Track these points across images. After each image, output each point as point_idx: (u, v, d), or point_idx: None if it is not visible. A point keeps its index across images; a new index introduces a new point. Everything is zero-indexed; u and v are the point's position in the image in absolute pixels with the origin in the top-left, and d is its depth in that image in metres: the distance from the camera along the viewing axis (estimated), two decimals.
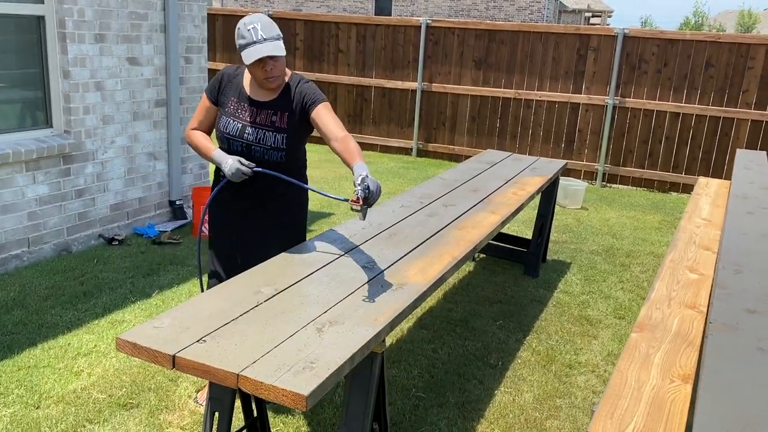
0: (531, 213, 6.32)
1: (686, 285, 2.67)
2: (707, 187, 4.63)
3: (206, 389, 2.73)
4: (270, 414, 2.91)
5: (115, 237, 4.96)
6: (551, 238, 5.74)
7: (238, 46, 2.61)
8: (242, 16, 9.92)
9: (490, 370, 3.50)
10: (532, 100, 8.55)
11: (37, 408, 2.93)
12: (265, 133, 2.72)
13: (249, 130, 2.72)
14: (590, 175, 8.51)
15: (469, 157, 8.80)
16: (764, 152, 5.41)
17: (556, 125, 8.54)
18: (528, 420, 3.08)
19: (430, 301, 4.32)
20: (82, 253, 4.76)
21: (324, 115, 2.68)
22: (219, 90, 2.79)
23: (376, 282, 2.46)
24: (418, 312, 4.13)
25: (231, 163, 2.65)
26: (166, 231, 5.20)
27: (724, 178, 7.89)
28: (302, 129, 2.77)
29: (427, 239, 3.02)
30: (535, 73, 8.51)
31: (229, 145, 2.76)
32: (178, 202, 5.54)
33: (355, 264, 2.63)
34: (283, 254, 2.68)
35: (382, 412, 2.44)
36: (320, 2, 26.61)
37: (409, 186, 7.31)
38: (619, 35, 8.02)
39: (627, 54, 8.06)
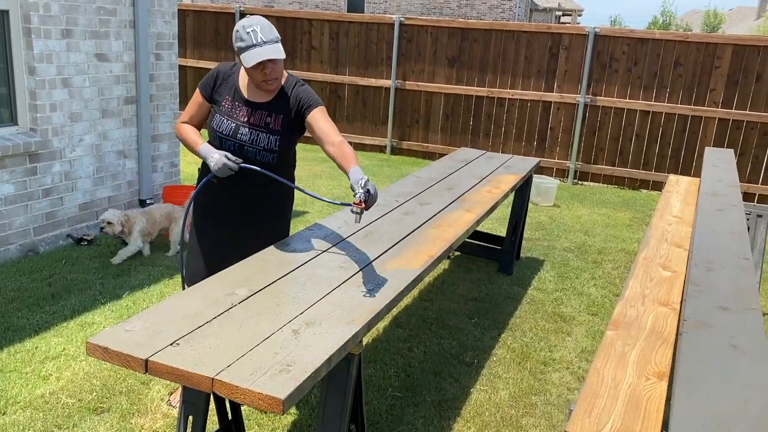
0: (505, 211, 6.35)
1: (659, 282, 2.70)
2: (678, 185, 4.69)
3: (179, 391, 2.68)
4: (245, 416, 2.87)
5: (84, 237, 4.85)
6: (525, 235, 5.78)
7: (236, 49, 2.58)
8: (213, 12, 9.81)
9: (465, 368, 3.50)
10: (505, 98, 8.60)
11: (3, 414, 2.85)
12: (258, 134, 2.70)
13: (243, 130, 2.69)
14: (562, 173, 8.59)
15: (443, 155, 8.83)
16: (732, 150, 5.51)
17: (529, 123, 8.60)
18: (504, 418, 3.09)
19: (406, 300, 4.31)
20: (50, 253, 4.65)
21: (319, 119, 2.68)
22: (214, 87, 2.76)
23: (353, 283, 2.44)
24: (394, 311, 4.12)
25: (217, 157, 2.60)
26: None
27: (693, 176, 8.03)
28: (295, 131, 2.76)
29: (404, 238, 3.01)
30: (508, 72, 8.56)
31: (221, 143, 2.72)
32: (148, 201, 5.44)
33: (332, 264, 2.60)
34: (257, 254, 2.64)
35: (359, 413, 2.43)
36: None
37: (384, 184, 7.29)
38: (590, 34, 8.10)
39: (598, 53, 8.14)
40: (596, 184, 8.51)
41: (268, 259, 2.59)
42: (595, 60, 8.16)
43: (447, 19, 9.09)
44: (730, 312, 2.02)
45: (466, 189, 4.06)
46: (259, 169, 2.67)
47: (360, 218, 2.39)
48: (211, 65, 9.95)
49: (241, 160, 2.65)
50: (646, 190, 8.32)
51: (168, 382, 3.08)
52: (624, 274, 5.15)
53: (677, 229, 3.53)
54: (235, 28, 2.58)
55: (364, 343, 2.93)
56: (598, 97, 8.25)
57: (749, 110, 7.72)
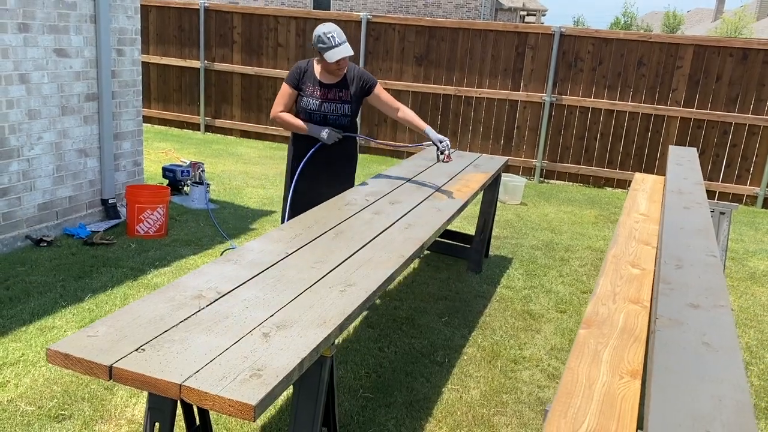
0: (473, 209, 6.37)
1: (629, 280, 2.72)
2: (643, 183, 4.76)
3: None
4: (213, 420, 2.80)
5: (44, 238, 4.70)
6: (493, 233, 5.80)
7: (318, 48, 3.61)
8: (177, 8, 9.63)
9: (436, 367, 3.49)
10: (472, 96, 8.63)
11: None
12: (336, 105, 3.76)
13: (325, 105, 3.75)
14: (529, 171, 8.66)
15: (412, 153, 8.81)
16: (695, 148, 5.61)
17: (496, 122, 8.65)
18: (475, 417, 3.08)
19: (376, 299, 4.28)
20: (7, 255, 4.49)
21: (381, 93, 3.89)
22: (299, 79, 3.76)
23: (325, 283, 2.39)
24: (365, 311, 4.08)
25: (328, 131, 3.71)
26: (98, 231, 4.97)
27: (657, 173, 8.18)
28: (359, 101, 3.85)
29: (375, 238, 2.97)
30: (475, 70, 8.59)
31: (310, 117, 3.76)
32: (111, 201, 5.30)
33: (302, 265, 2.56)
34: (226, 254, 2.58)
35: (332, 416, 2.39)
36: None
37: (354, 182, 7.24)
38: (556, 34, 8.18)
39: (563, 52, 8.23)
40: (562, 182, 8.60)
41: (236, 260, 2.53)
42: (560, 59, 8.24)
43: (414, 17, 9.08)
44: (700, 309, 2.04)
45: (436, 188, 4.04)
46: (353, 134, 3.86)
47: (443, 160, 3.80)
48: (176, 62, 9.77)
49: (341, 131, 3.77)
50: (610, 188, 8.44)
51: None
52: (591, 272, 5.20)
53: (644, 226, 3.57)
54: (317, 33, 3.61)
55: (335, 344, 2.89)
56: (563, 96, 8.33)
57: (710, 109, 7.88)
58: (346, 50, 3.59)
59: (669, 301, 2.09)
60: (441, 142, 3.80)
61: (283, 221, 3.73)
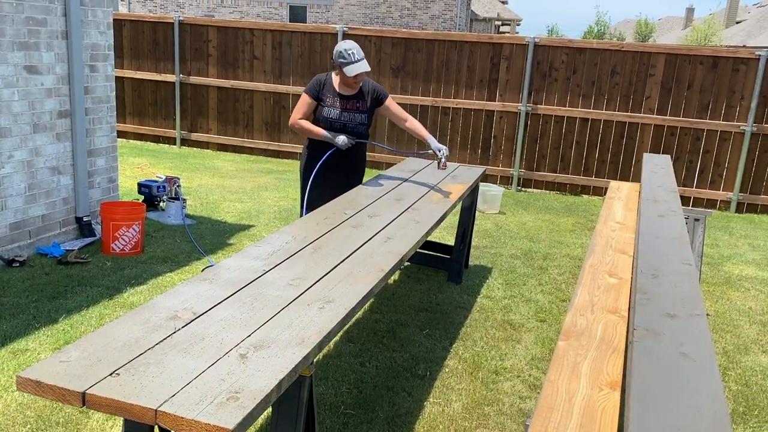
0: (452, 219, 6.38)
1: (607, 290, 2.73)
2: (619, 191, 4.80)
3: None
4: None
5: (16, 258, 4.61)
6: (472, 243, 5.81)
7: (339, 63, 4.02)
8: (151, 22, 9.56)
9: (418, 381, 3.47)
10: (449, 107, 8.67)
11: None
12: (354, 114, 4.17)
13: (344, 114, 4.15)
14: (506, 180, 8.71)
15: (390, 165, 8.82)
16: (668, 156, 5.69)
17: (473, 132, 8.70)
18: (458, 430, 3.07)
19: (357, 313, 4.25)
20: None
21: (391, 105, 4.34)
22: (320, 90, 4.14)
23: (303, 301, 2.37)
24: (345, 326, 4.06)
25: (343, 137, 4.09)
26: (72, 250, 4.89)
27: (632, 180, 8.27)
28: (373, 111, 4.28)
29: (354, 252, 2.96)
30: (451, 81, 8.64)
31: (330, 125, 4.15)
32: (85, 219, 5.22)
33: (279, 282, 2.53)
34: (201, 273, 2.55)
35: None
36: (233, 8, 26.10)
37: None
38: (530, 44, 8.26)
39: (538, 62, 8.31)
40: (539, 190, 8.67)
41: (212, 279, 2.50)
42: (535, 69, 8.32)
43: (390, 29, 9.12)
44: (677, 319, 2.05)
45: (415, 200, 4.04)
46: (366, 140, 4.29)
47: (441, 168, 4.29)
48: (151, 76, 9.69)
49: (354, 137, 4.15)
50: (587, 196, 8.52)
51: None
52: (569, 280, 5.23)
53: (621, 235, 3.60)
54: (338, 49, 4.02)
55: (315, 361, 2.86)
56: (539, 106, 8.41)
57: (682, 116, 8.01)
58: (364, 66, 4.02)
59: (646, 312, 2.10)
60: (440, 151, 4.22)
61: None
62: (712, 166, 8.06)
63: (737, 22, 48.80)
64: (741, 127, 7.83)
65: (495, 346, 3.96)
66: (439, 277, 5.04)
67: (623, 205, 4.33)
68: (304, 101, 4.14)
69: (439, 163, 4.27)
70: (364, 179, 4.50)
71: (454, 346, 3.91)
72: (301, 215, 4.18)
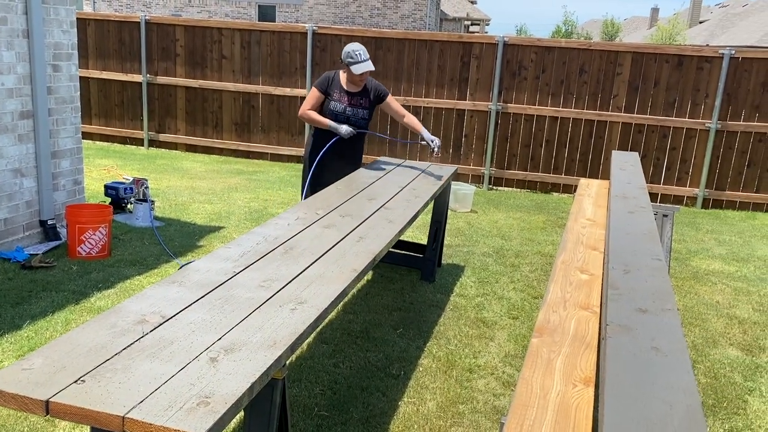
0: (425, 218, 6.38)
1: (578, 286, 2.75)
2: (589, 188, 4.85)
3: None
4: None
5: None
6: (445, 242, 5.81)
7: (347, 62, 4.48)
8: (117, 21, 9.39)
9: (392, 380, 3.45)
10: (420, 106, 8.67)
11: None
12: (357, 109, 4.63)
13: (348, 109, 4.60)
14: (478, 179, 8.75)
15: (364, 163, 8.78)
16: (636, 153, 5.76)
17: (444, 131, 8.72)
18: (433, 429, 3.06)
19: (330, 314, 4.22)
20: None
21: (392, 102, 4.79)
22: (328, 86, 4.58)
23: (274, 303, 2.33)
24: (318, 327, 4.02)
25: (346, 127, 4.54)
26: (37, 254, 4.76)
27: (601, 178, 8.37)
28: (374, 107, 4.74)
29: (326, 252, 2.92)
30: (422, 80, 8.65)
31: (336, 117, 4.59)
32: (50, 222, 5.10)
33: (250, 284, 2.49)
34: (171, 276, 2.49)
35: None
36: (200, 7, 25.78)
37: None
38: (499, 43, 8.31)
39: (507, 61, 8.36)
40: (510, 188, 8.73)
41: (181, 281, 2.45)
42: (505, 68, 8.37)
43: (361, 29, 9.09)
44: (649, 314, 2.06)
45: (387, 199, 4.02)
46: (367, 131, 4.78)
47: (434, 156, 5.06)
48: (117, 76, 9.51)
49: (355, 131, 4.60)
50: (557, 193, 8.60)
51: None
52: (541, 277, 5.27)
53: (591, 231, 3.63)
54: (346, 50, 4.49)
55: (288, 363, 2.82)
56: (509, 105, 8.46)
57: (649, 114, 8.13)
58: (369, 65, 4.48)
59: (618, 307, 2.11)
60: (432, 141, 4.68)
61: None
62: (679, 163, 8.20)
63: (700, 22, 49.83)
64: (706, 125, 7.98)
65: (468, 344, 3.96)
66: (412, 276, 5.03)
67: (593, 202, 4.37)
68: (314, 94, 4.60)
69: (432, 153, 4.74)
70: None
71: (428, 344, 3.90)
72: (303, 198, 4.74)
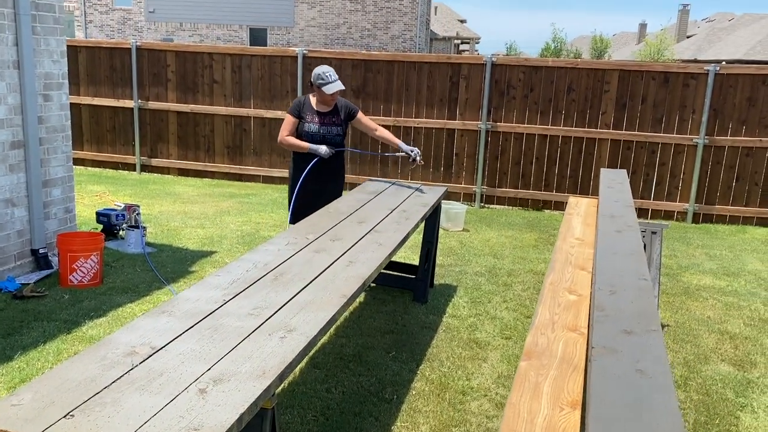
0: (416, 238, 6.40)
1: (567, 307, 2.77)
2: (577, 206, 4.89)
3: None
4: None
5: None
6: (437, 261, 5.83)
7: (318, 84, 4.66)
8: (108, 48, 9.46)
9: (385, 405, 3.45)
10: (411, 126, 8.74)
11: None
12: (330, 128, 4.79)
13: (323, 128, 4.76)
14: (469, 197, 8.80)
15: (355, 185, 8.82)
16: (624, 171, 5.82)
17: (435, 150, 8.78)
18: None
19: (321, 340, 4.22)
20: None
21: (362, 118, 4.97)
22: (300, 110, 4.77)
23: (264, 331, 2.35)
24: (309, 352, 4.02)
25: (325, 148, 4.69)
26: (28, 283, 4.76)
27: (591, 194, 8.43)
28: (346, 123, 4.90)
29: (316, 278, 2.94)
30: (412, 101, 8.72)
31: (312, 138, 4.75)
32: (41, 251, 5.10)
33: (240, 312, 2.50)
34: (161, 305, 2.50)
35: None
36: (192, 31, 25.99)
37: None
38: (487, 63, 8.40)
39: (496, 81, 8.45)
40: (502, 206, 8.77)
41: (171, 311, 2.46)
42: (493, 88, 8.46)
43: (350, 51, 9.19)
44: (633, 336, 2.09)
45: (377, 221, 4.05)
46: (346, 148, 4.98)
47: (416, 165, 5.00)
48: (108, 102, 9.56)
49: (333, 148, 4.74)
50: (548, 210, 8.64)
51: None
52: (533, 296, 5.28)
53: (580, 251, 3.66)
54: (316, 72, 4.67)
55: (279, 389, 2.83)
56: (498, 123, 8.54)
57: (637, 131, 8.22)
58: (339, 85, 4.69)
59: (603, 329, 2.13)
60: (412, 151, 4.88)
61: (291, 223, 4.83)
62: (668, 178, 8.27)
63: (688, 37, 50.43)
64: (694, 140, 8.06)
65: (461, 365, 3.96)
66: (404, 297, 5.05)
67: (582, 221, 4.40)
68: (289, 120, 4.79)
69: (413, 161, 4.86)
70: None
71: (420, 367, 3.91)
72: (290, 220, 4.87)
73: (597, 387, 1.74)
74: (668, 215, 8.36)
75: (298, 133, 4.79)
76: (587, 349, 2.32)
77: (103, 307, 4.50)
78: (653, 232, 4.63)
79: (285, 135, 4.79)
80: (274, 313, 2.51)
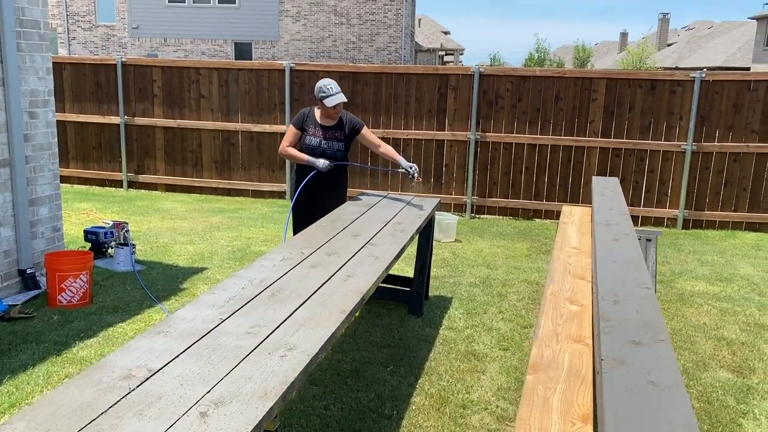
0: (410, 250, 6.36)
1: (569, 318, 2.73)
2: (571, 215, 4.87)
3: None
4: None
5: None
6: (431, 273, 5.79)
7: (320, 97, 4.65)
8: (92, 64, 9.38)
9: (385, 421, 3.39)
10: (400, 138, 8.72)
11: None
12: (332, 142, 4.77)
13: (324, 142, 4.75)
14: (460, 208, 8.78)
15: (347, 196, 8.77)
16: (616, 178, 5.82)
17: (425, 161, 8.76)
18: None
19: (321, 359, 4.15)
20: None
21: (367, 134, 4.95)
22: (303, 122, 4.78)
23: (263, 350, 2.29)
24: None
25: (323, 161, 4.68)
26: (16, 305, 4.66)
27: (582, 202, 8.44)
28: (350, 139, 4.89)
29: (313, 294, 2.89)
30: (401, 113, 8.71)
31: (312, 151, 4.75)
32: (29, 271, 5.00)
33: (238, 331, 2.44)
34: (156, 325, 2.44)
35: None
36: (176, 46, 25.90)
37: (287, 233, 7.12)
38: (475, 74, 8.41)
39: (484, 91, 8.46)
40: (493, 216, 8.76)
41: (167, 332, 2.39)
42: (481, 98, 8.47)
43: (338, 64, 9.18)
44: (642, 346, 2.05)
45: (372, 234, 4.00)
46: (345, 162, 4.83)
47: (414, 182, 4.91)
48: (94, 119, 9.47)
49: (332, 162, 4.71)
50: (539, 219, 8.64)
51: None
52: (529, 305, 5.25)
53: (578, 260, 3.63)
54: (318, 86, 4.67)
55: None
56: (487, 134, 8.54)
57: (626, 138, 8.25)
58: (341, 97, 4.66)
59: (611, 340, 2.09)
60: (411, 168, 4.85)
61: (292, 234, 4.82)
62: (658, 185, 8.30)
63: (668, 45, 51.07)
64: (682, 146, 8.11)
65: (460, 378, 3.91)
66: (399, 310, 4.99)
67: (577, 230, 4.38)
68: (291, 131, 4.82)
69: (412, 178, 4.86)
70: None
71: (419, 381, 3.85)
72: (285, 232, 4.93)
73: (610, 401, 1.70)
74: (658, 222, 8.38)
75: (300, 145, 4.80)
76: (594, 360, 2.28)
77: (94, 328, 4.40)
78: (648, 240, 4.63)
79: (285, 146, 4.81)
80: (273, 331, 2.45)
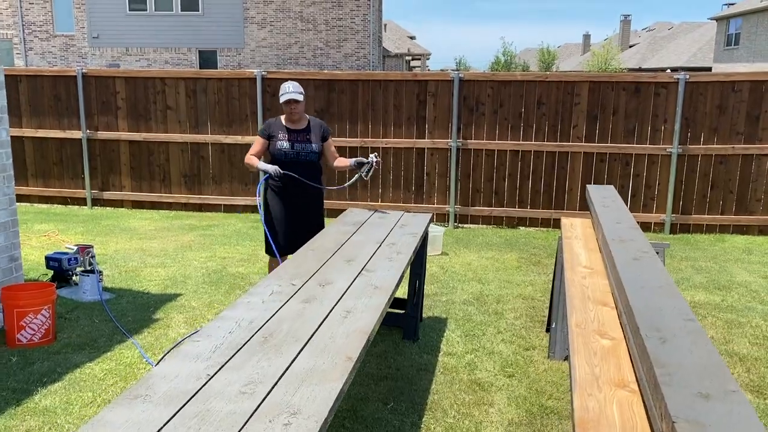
0: None
1: (603, 355, 2.43)
2: (573, 229, 4.59)
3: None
4: None
5: None
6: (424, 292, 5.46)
7: (280, 96, 4.69)
8: (51, 76, 8.85)
9: None
10: (379, 147, 8.38)
11: None
12: (304, 145, 4.73)
13: (296, 145, 4.71)
14: (443, 218, 8.48)
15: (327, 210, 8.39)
16: (612, 186, 5.58)
17: (405, 170, 8.45)
18: None
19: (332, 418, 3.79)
20: None
21: (330, 145, 4.91)
22: (269, 130, 4.76)
23: (262, 416, 1.93)
24: None
25: (273, 167, 4.62)
26: None
27: (566, 209, 8.21)
28: (321, 142, 4.81)
29: (312, 336, 2.53)
30: (379, 121, 8.38)
31: (285, 155, 4.68)
32: None
33: (230, 390, 2.08)
34: (133, 387, 2.06)
35: None
36: (139, 56, 25.17)
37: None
38: (455, 79, 8.13)
39: (464, 97, 8.19)
40: (476, 225, 8.48)
41: (146, 396, 2.01)
42: (462, 104, 8.19)
43: (312, 71, 8.82)
44: (713, 401, 1.75)
45: (367, 258, 3.66)
46: (292, 174, 4.65)
47: (367, 173, 4.75)
48: (54, 133, 8.93)
49: (281, 171, 4.62)
50: (524, 228, 8.39)
51: None
52: (527, 324, 4.96)
53: (593, 282, 3.34)
54: (280, 87, 4.72)
55: None
56: (468, 141, 8.27)
57: (610, 142, 8.05)
58: (292, 95, 4.63)
59: (675, 394, 1.79)
60: (368, 159, 4.74)
61: (272, 253, 4.75)
62: (644, 190, 8.13)
63: (630, 46, 51.78)
64: (667, 150, 7.94)
65: (467, 413, 3.59)
66: (393, 335, 4.65)
67: (583, 246, 4.10)
68: (257, 141, 4.82)
69: (371, 166, 4.72)
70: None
71: (423, 419, 3.51)
72: (272, 253, 4.74)
73: None
74: (645, 227, 8.19)
75: (271, 153, 4.74)
76: (649, 415, 1.97)
77: (58, 370, 3.96)
78: (656, 252, 4.36)
79: (249, 154, 4.79)
80: (271, 390, 2.09)
